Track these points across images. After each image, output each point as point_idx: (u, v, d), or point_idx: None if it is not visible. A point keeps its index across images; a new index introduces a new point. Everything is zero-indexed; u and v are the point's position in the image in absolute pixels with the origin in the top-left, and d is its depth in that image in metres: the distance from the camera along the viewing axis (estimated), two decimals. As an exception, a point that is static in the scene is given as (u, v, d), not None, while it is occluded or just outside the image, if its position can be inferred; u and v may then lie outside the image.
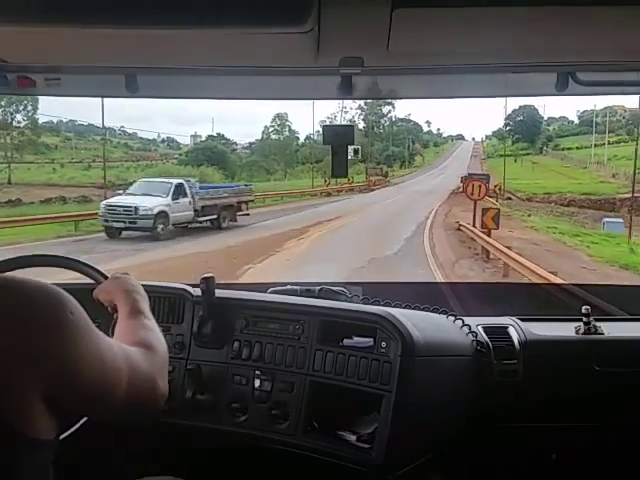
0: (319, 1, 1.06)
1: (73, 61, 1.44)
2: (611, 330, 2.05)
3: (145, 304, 1.38)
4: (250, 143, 36.95)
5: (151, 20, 1.07)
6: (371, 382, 1.73)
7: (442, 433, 1.88)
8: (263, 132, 35.43)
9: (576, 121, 35.98)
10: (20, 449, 0.93)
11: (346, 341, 1.80)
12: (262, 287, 2.16)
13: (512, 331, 2.04)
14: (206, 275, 1.89)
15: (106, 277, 1.64)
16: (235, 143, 35.57)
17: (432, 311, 2.05)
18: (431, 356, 1.79)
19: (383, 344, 1.75)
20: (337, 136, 1.70)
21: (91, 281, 1.65)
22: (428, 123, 39.70)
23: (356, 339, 1.79)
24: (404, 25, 1.16)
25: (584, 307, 2.05)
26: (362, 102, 37.53)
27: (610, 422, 2.00)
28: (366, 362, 1.75)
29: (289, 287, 2.10)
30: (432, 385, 1.80)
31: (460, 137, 42.76)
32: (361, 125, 37.25)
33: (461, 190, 21.93)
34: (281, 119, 36.17)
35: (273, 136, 36.19)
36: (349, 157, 1.73)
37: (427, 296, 2.42)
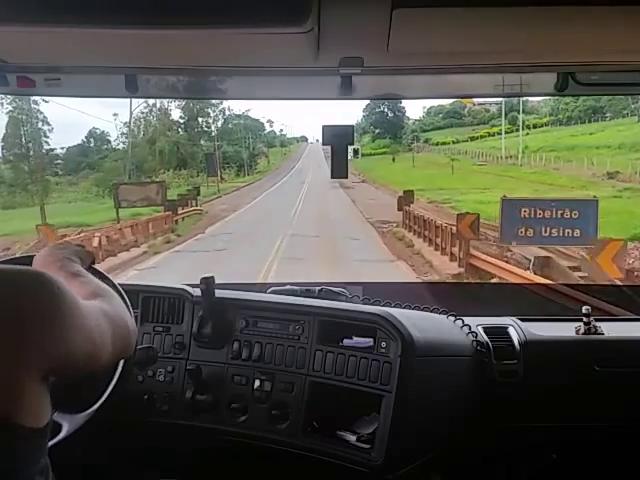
0: (319, 1, 1.06)
1: (73, 61, 1.44)
2: (611, 330, 2.05)
3: (73, 264, 1.32)
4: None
5: (151, 20, 1.07)
6: (371, 382, 1.73)
7: (442, 433, 1.88)
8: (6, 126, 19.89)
9: (422, 114, 32.09)
10: (14, 439, 0.93)
11: (346, 341, 1.80)
12: (262, 287, 2.16)
13: (512, 331, 2.04)
14: (206, 275, 1.89)
15: (104, 275, 1.64)
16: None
17: (432, 311, 2.05)
18: (431, 356, 1.79)
19: (383, 344, 1.75)
20: (337, 136, 1.70)
21: None
22: (270, 122, 31.50)
23: (356, 339, 1.79)
24: (404, 25, 1.16)
25: (584, 307, 2.05)
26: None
27: (610, 422, 2.00)
28: (366, 362, 1.75)
29: (289, 287, 2.10)
30: (432, 385, 1.80)
31: (304, 139, 35.29)
32: (176, 115, 26.06)
33: (415, 250, 11.85)
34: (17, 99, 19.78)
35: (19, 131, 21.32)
36: (349, 157, 1.73)
37: (428, 296, 2.42)
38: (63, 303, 0.99)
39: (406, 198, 15.60)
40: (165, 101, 24.18)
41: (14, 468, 0.94)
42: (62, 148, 24.19)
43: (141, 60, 1.44)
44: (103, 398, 1.54)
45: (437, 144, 30.05)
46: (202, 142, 26.06)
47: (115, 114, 24.41)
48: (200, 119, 26.12)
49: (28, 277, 0.98)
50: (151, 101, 23.82)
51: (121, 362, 1.57)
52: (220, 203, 20.93)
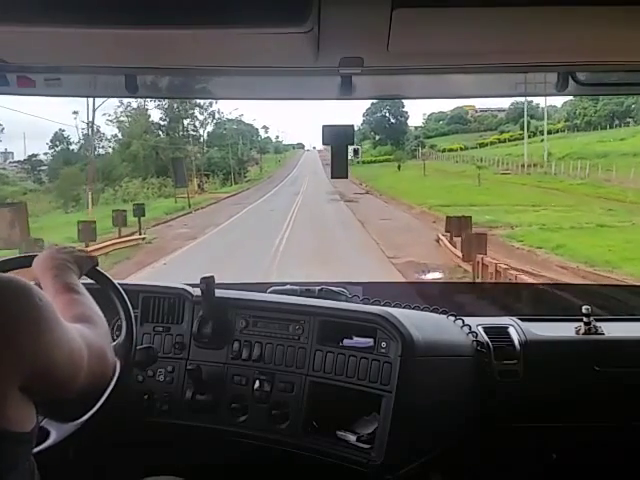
0: (319, 1, 1.06)
1: (73, 61, 1.44)
2: (611, 330, 2.05)
3: (69, 274, 1.33)
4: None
5: (151, 20, 1.07)
6: (371, 382, 1.73)
7: (442, 433, 1.88)
8: None
9: (422, 121, 29.77)
10: (3, 442, 0.93)
11: (346, 341, 1.80)
12: (262, 287, 2.16)
13: (512, 331, 2.04)
14: (206, 275, 1.89)
15: (107, 278, 1.65)
16: None
17: (432, 311, 2.05)
18: (431, 356, 1.79)
19: (383, 344, 1.75)
20: (337, 136, 1.70)
21: (90, 281, 1.65)
22: (265, 128, 28.81)
23: (356, 339, 1.79)
24: (404, 25, 1.16)
25: (584, 307, 2.05)
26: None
27: (610, 422, 2.00)
28: (366, 362, 1.74)
29: (289, 287, 2.10)
30: (432, 385, 1.80)
31: (300, 146, 33.05)
32: (156, 116, 22.48)
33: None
34: None
35: None
36: (349, 157, 1.73)
37: (428, 296, 2.41)
38: (44, 315, 0.99)
39: (470, 238, 9.58)
40: (142, 99, 20.69)
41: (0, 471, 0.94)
42: (45, 154, 21.91)
43: (141, 60, 1.44)
44: (94, 410, 1.53)
45: (443, 151, 28.07)
46: (189, 147, 22.94)
47: (75, 112, 20.55)
48: (186, 121, 23.00)
49: (10, 286, 0.98)
50: (125, 99, 20.97)
51: (115, 374, 1.55)
52: (181, 224, 15.25)
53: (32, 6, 1.04)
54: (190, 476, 1.70)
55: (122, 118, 21.60)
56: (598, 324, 2.04)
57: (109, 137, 21.92)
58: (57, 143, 21.87)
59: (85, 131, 21.35)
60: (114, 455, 1.96)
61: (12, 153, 22.88)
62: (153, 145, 21.26)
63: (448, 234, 11.23)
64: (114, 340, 1.66)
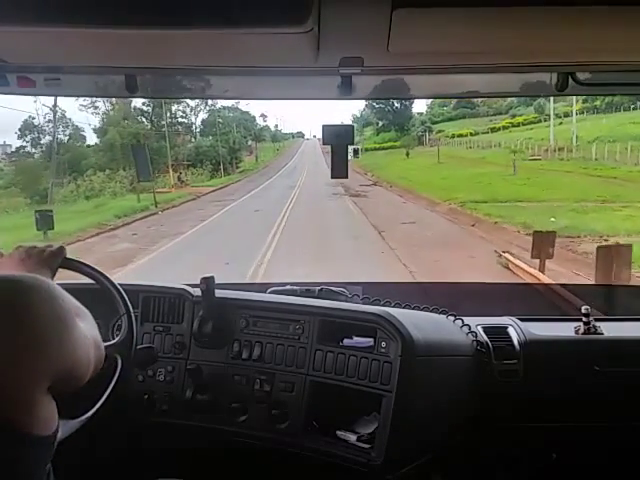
0: (319, 1, 1.06)
1: (73, 61, 1.44)
2: (611, 330, 2.05)
3: (43, 270, 1.35)
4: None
5: (151, 20, 1.07)
6: (371, 382, 1.73)
7: (442, 433, 1.88)
8: None
9: (426, 106, 28.66)
10: (23, 448, 0.94)
11: (346, 341, 1.80)
12: (262, 287, 2.16)
13: (512, 331, 2.04)
14: (206, 275, 1.89)
15: (105, 276, 1.65)
16: None
17: (432, 311, 2.05)
18: (431, 356, 1.79)
19: (383, 344, 1.75)
20: (337, 136, 1.70)
21: (91, 281, 1.65)
22: (264, 117, 27.56)
23: (356, 339, 1.79)
24: (404, 25, 1.16)
25: (584, 307, 2.05)
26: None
27: (610, 422, 2.00)
28: (366, 362, 1.75)
29: (289, 287, 2.10)
30: (432, 385, 1.80)
31: (300, 135, 32.30)
32: (139, 100, 20.64)
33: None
34: None
35: None
36: (349, 157, 1.74)
37: (428, 296, 2.41)
38: (67, 315, 1.00)
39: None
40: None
41: (22, 476, 0.94)
42: (34, 146, 20.27)
43: (141, 60, 1.44)
44: (98, 405, 1.54)
45: (452, 136, 26.17)
46: (177, 136, 20.55)
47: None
48: (174, 107, 20.56)
49: (35, 286, 0.97)
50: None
51: (117, 371, 1.57)
52: (130, 234, 11.70)
53: (32, 6, 1.04)
54: (190, 476, 1.71)
55: (98, 103, 19.72)
56: (597, 324, 2.04)
57: (79, 124, 19.89)
58: (27, 132, 20.25)
59: (49, 116, 19.51)
60: (114, 455, 1.96)
61: (10, 145, 22.03)
62: (134, 133, 19.22)
63: (535, 260, 6.67)
64: (114, 339, 1.66)
